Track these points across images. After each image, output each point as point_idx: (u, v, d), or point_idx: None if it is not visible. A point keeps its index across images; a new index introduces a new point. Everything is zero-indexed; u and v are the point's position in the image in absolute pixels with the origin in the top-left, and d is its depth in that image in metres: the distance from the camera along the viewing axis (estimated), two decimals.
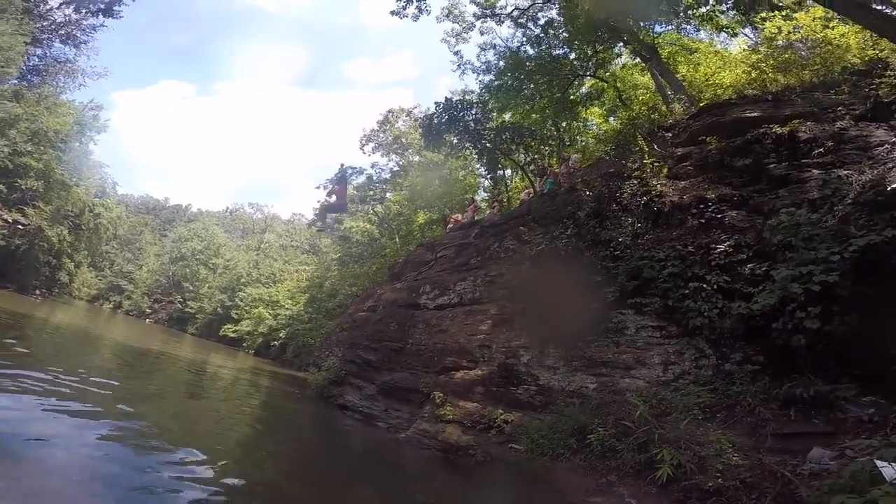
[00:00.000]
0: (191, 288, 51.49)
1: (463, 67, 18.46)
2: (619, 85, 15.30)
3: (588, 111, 17.33)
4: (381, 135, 27.80)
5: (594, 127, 18.08)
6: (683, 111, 9.81)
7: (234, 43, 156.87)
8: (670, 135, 8.95)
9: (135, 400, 6.96)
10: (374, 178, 27.59)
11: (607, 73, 15.93)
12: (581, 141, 17.76)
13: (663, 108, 12.10)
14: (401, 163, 27.53)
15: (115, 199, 45.03)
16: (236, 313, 41.86)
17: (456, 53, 18.68)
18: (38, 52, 28.54)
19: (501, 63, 17.05)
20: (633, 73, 15.98)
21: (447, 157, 20.37)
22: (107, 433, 4.74)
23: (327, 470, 6.07)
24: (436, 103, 16.46)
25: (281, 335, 32.98)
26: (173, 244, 57.41)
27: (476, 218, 13.59)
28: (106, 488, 3.31)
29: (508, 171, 20.29)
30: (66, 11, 29.05)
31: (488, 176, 20.95)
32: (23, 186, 26.46)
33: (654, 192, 7.66)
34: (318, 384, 14.10)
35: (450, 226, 14.27)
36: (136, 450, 4.38)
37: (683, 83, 11.98)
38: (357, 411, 11.72)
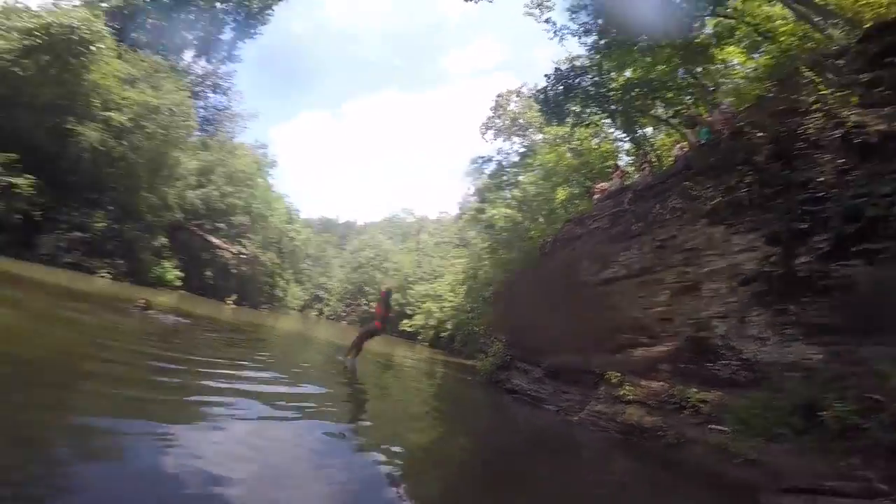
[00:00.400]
0: (371, 291, 58.78)
1: (560, 34, 16.84)
2: (748, 19, 13.35)
3: (724, 52, 15.03)
4: (497, 120, 27.39)
5: (738, 66, 15.65)
6: (845, 35, 8.69)
7: (337, 65, 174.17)
8: (842, 62, 6.79)
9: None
10: (504, 163, 27.32)
11: (727, 10, 13.60)
12: (727, 83, 15.43)
13: (816, 35, 11.05)
14: (525, 144, 26.70)
15: (300, 223, 53.72)
16: (409, 309, 46.06)
17: (547, 21, 17.42)
18: (199, 103, 33.64)
19: (600, 20, 15.16)
20: (759, 5, 13.58)
21: (573, 128, 19.03)
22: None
23: (500, 454, 5.73)
24: (545, 76, 15.47)
25: (448, 326, 35.00)
26: (351, 255, 66.56)
27: (625, 183, 12.25)
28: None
29: (649, 130, 18.48)
30: (202, 63, 34.71)
31: (627, 139, 19.33)
32: (235, 222, 33.11)
33: (849, 124, 5.86)
34: (486, 370, 14.27)
35: (595, 196, 13.20)
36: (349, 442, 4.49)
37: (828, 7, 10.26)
38: (525, 395, 11.34)
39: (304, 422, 4.48)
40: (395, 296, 49.91)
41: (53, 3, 19.82)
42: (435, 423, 6.72)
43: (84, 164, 19.91)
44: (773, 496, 4.33)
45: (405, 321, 45.97)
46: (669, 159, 12.90)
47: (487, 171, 28.15)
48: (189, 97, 27.25)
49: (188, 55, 33.81)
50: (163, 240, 25.67)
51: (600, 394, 8.42)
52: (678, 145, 12.24)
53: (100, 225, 20.62)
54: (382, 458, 3.91)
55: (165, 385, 4.48)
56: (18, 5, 18.35)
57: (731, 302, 6.81)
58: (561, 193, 21.99)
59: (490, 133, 27.54)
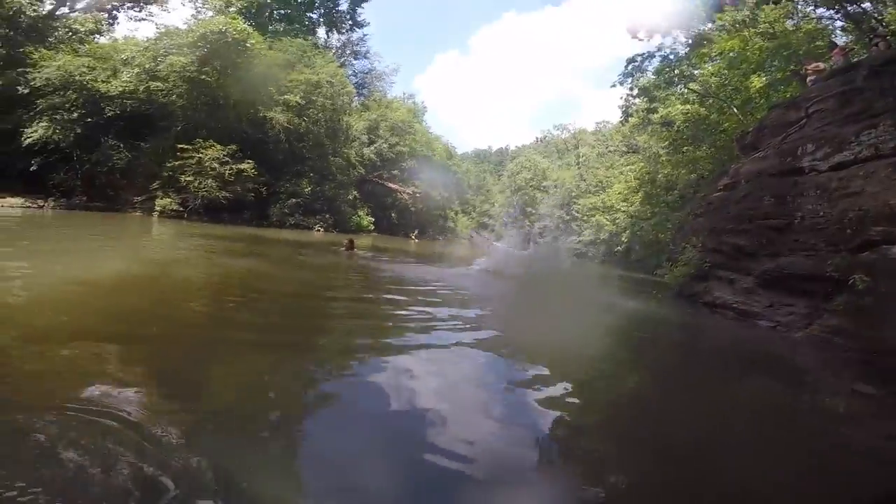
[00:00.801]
0: (533, 211, 59.01)
1: None
2: None
3: None
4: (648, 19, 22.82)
5: None
6: None
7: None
8: None
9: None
10: (671, 57, 23.28)
11: None
12: None
13: None
14: (690, 35, 22.08)
15: (458, 157, 55.92)
16: (576, 225, 44.70)
17: None
18: (349, 72, 37.04)
19: None
20: None
21: (755, 9, 16.53)
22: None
23: (698, 379, 5.38)
24: None
25: (623, 238, 32.94)
26: (509, 179, 66.98)
27: (850, 61, 10.60)
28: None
29: (867, 4, 15.06)
30: (335, 36, 37.64)
31: (838, 14, 16.35)
32: (406, 166, 36.50)
33: None
34: (676, 281, 13.14)
35: (810, 78, 11.42)
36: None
37: None
38: (730, 309, 10.16)
39: None
40: (558, 212, 49.95)
41: (192, 17, 23.48)
42: (615, 350, 6.35)
43: (282, 144, 24.24)
44: None
45: (572, 238, 44.95)
46: None
47: (650, 69, 24.38)
48: (339, 67, 30.45)
49: (321, 33, 37.34)
50: (354, 193, 30.38)
51: (838, 304, 7.02)
52: None
53: (307, 190, 25.53)
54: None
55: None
56: (171, 27, 22.08)
57: None
58: (757, 81, 18.89)
59: (643, 32, 23.57)
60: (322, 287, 7.55)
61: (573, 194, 48.32)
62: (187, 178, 19.64)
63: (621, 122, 30.39)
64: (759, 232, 9.78)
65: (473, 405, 3.34)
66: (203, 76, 20.26)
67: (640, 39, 24.62)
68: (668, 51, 24.09)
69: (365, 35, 40.01)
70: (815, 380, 5.88)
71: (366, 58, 40.91)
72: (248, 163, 21.35)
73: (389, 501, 2.15)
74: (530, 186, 61.21)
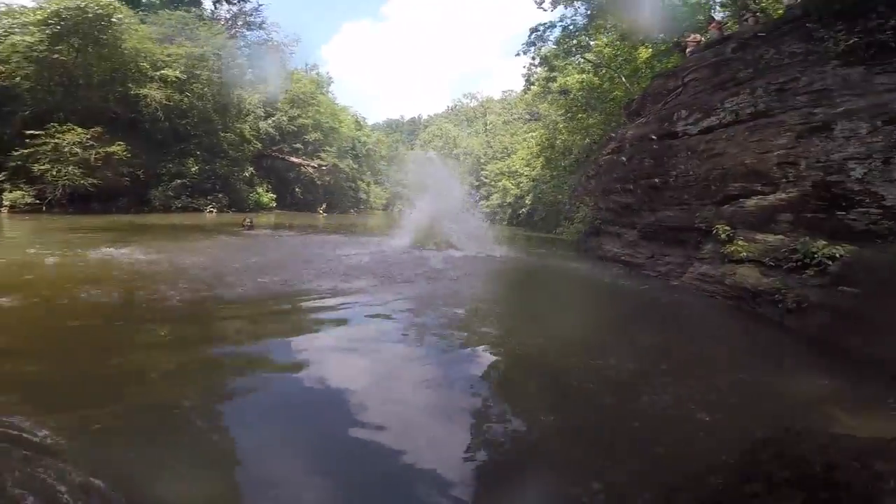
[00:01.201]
0: None
1: None
2: None
3: None
4: None
5: None
6: None
7: None
8: None
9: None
10: (571, 28, 24.15)
11: None
12: None
13: None
14: (591, 6, 23.07)
15: (368, 128, 54.18)
16: (485, 190, 45.94)
17: None
18: (240, 43, 33.96)
19: None
20: None
21: None
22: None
23: (594, 326, 5.82)
24: None
25: (527, 201, 34.54)
26: (421, 148, 66.56)
27: (724, 34, 11.24)
28: None
29: None
30: (225, 7, 34.46)
31: None
32: (310, 139, 34.49)
33: None
34: (573, 238, 14.09)
35: (689, 49, 12.16)
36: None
37: None
38: (618, 261, 11.11)
39: None
40: (468, 179, 50.98)
41: None
42: (520, 297, 6.88)
43: (161, 122, 21.82)
44: None
45: (482, 202, 46.24)
46: (779, 11, 11.33)
47: (552, 39, 25.11)
48: (228, 39, 28.20)
49: (208, 4, 33.86)
50: (250, 169, 28.27)
51: (705, 253, 7.92)
52: None
53: (194, 169, 23.27)
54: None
55: None
56: (14, 6, 18.76)
57: (874, 142, 5.79)
58: (644, 52, 20.28)
59: (547, 2, 24.01)
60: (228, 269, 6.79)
61: (481, 161, 49.44)
62: (42, 167, 16.88)
63: (524, 90, 31.22)
64: (642, 190, 10.65)
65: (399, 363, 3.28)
66: (56, 55, 17.47)
67: (545, 9, 25.11)
68: (568, 21, 24.83)
69: (260, 5, 36.30)
70: (704, 321, 6.59)
71: (261, 28, 37.46)
72: (119, 145, 18.85)
73: None
74: (442, 154, 61.48)
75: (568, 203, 17.44)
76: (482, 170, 47.84)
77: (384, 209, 64.94)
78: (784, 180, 6.87)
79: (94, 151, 17.89)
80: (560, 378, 3.81)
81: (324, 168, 35.04)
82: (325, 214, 32.30)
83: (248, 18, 36.57)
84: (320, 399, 3.10)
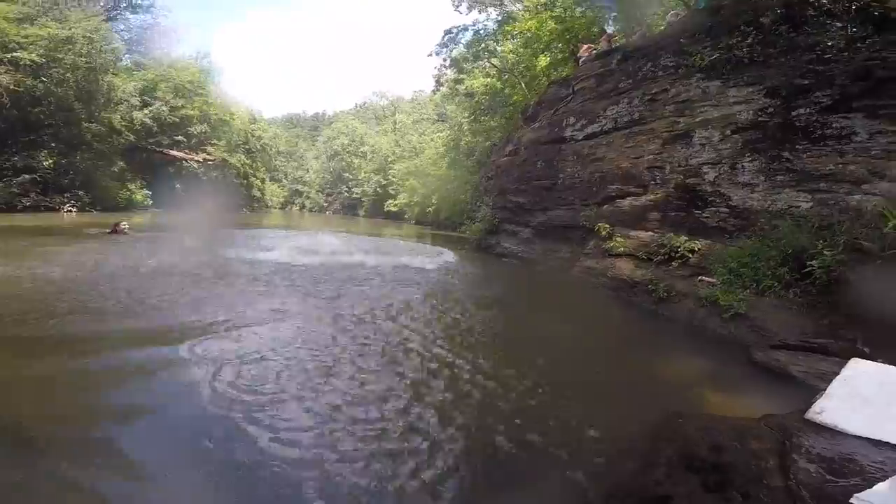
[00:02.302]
0: (350, 177, 57.84)
1: None
2: None
3: None
4: None
5: None
6: None
7: None
8: None
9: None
10: (482, 32, 24.99)
11: None
12: None
13: None
14: (503, 12, 24.14)
15: (264, 122, 50.45)
16: (393, 189, 45.52)
17: None
18: (120, 26, 30.38)
19: None
20: None
21: None
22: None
23: (487, 319, 5.92)
24: None
25: (433, 200, 34.89)
26: (325, 145, 63.90)
27: (613, 46, 11.84)
28: None
29: None
30: None
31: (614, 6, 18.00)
32: (195, 132, 31.03)
33: None
34: (475, 235, 14.46)
35: (582, 58, 12.77)
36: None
37: None
38: (515, 257, 11.66)
39: None
40: (376, 178, 50.15)
41: None
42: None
43: (6, 109, 18.32)
44: (763, 352, 4.41)
45: (389, 201, 45.83)
46: (661, 27, 12.20)
47: (463, 42, 25.67)
48: (104, 21, 24.48)
49: None
50: (120, 163, 24.69)
51: (590, 249, 8.58)
52: (672, 12, 11.49)
53: (47, 163, 19.77)
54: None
55: None
56: None
57: (724, 149, 6.74)
58: (543, 60, 21.27)
59: (464, 5, 24.49)
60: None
61: (389, 159, 48.86)
62: None
63: (434, 91, 31.45)
64: (535, 191, 11.27)
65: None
66: None
67: (461, 12, 25.47)
68: (480, 26, 25.47)
69: None
70: (589, 311, 7.06)
71: (148, 12, 32.71)
72: None
73: None
74: (347, 152, 59.55)
75: (470, 202, 17.92)
76: (390, 168, 47.26)
77: (281, 207, 61.25)
78: (653, 182, 7.70)
79: None
80: (455, 373, 3.72)
81: (210, 163, 31.82)
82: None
83: (133, 1, 32.02)
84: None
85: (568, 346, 5.04)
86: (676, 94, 7.74)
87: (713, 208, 6.66)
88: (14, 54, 18.32)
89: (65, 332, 3.92)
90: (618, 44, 12.33)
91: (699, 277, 6.16)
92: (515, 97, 22.96)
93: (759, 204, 6.07)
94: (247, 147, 41.35)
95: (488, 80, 25.97)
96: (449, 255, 12.13)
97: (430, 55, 26.93)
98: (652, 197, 7.65)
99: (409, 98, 69.60)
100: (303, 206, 65.01)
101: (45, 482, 2.07)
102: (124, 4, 31.81)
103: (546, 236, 10.64)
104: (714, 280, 5.81)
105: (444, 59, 26.47)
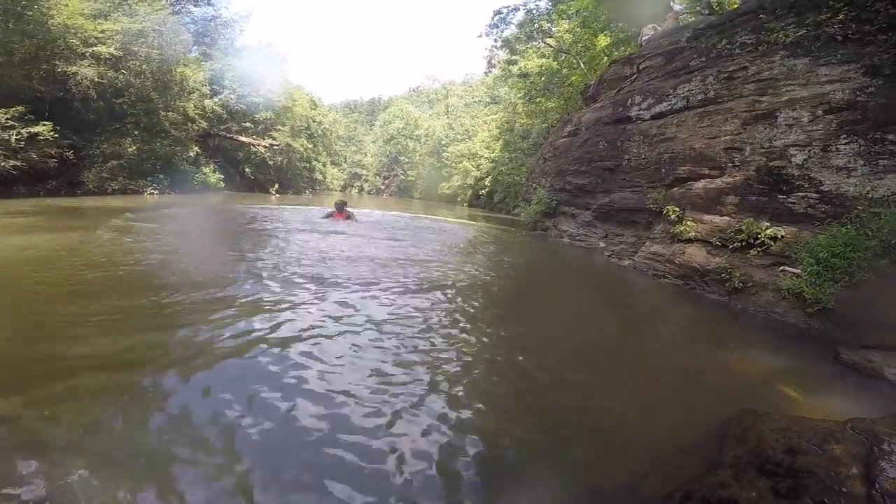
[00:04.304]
0: (405, 160, 58.72)
1: None
2: None
3: None
4: None
5: None
6: None
7: None
8: None
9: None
10: (534, 12, 23.99)
11: None
12: None
13: None
14: None
15: (325, 108, 52.05)
16: (446, 172, 45.66)
17: None
18: (185, 19, 31.51)
19: None
20: None
21: None
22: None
23: (545, 300, 5.76)
24: None
25: (486, 183, 34.59)
26: (381, 129, 65.13)
27: (680, 24, 11.48)
28: None
29: None
30: None
31: None
32: (261, 118, 32.66)
33: None
34: (530, 218, 14.16)
35: (645, 38, 12.34)
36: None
37: None
38: (574, 239, 11.29)
39: None
40: (429, 160, 50.52)
41: None
42: (483, 270, 6.73)
43: (93, 102, 20.22)
44: (853, 351, 3.96)
45: (443, 184, 46.05)
46: (734, 4, 11.74)
47: (515, 22, 24.86)
48: (170, 15, 26.02)
49: None
50: (196, 149, 26.60)
51: (657, 233, 8.09)
52: None
53: (131, 149, 21.62)
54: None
55: None
56: None
57: (814, 130, 6.06)
58: (602, 40, 20.54)
59: None
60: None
61: (443, 143, 48.99)
62: None
63: (486, 73, 30.97)
64: (596, 172, 10.78)
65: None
66: None
67: None
68: (532, 5, 24.64)
69: None
70: (656, 299, 6.68)
71: (209, 4, 34.78)
72: (45, 125, 17.02)
73: None
74: (402, 136, 60.43)
75: (525, 184, 17.59)
76: (444, 151, 47.42)
77: (341, 190, 63.39)
78: (730, 164, 7.08)
79: (14, 132, 16.11)
80: (514, 363, 3.68)
81: (276, 147, 33.44)
82: (277, 195, 31.03)
83: None
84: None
85: (631, 335, 4.82)
86: (757, 73, 7.12)
87: (800, 193, 6.01)
88: (94, 49, 19.76)
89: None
90: (686, 22, 11.88)
91: (781, 267, 5.61)
92: (573, 77, 22.32)
93: (857, 190, 5.40)
94: (309, 132, 43.04)
95: (543, 60, 25.32)
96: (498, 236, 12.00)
97: (480, 36, 26.45)
98: (729, 179, 7.04)
99: (460, 81, 69.33)
100: (361, 189, 67.09)
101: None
102: None
103: (608, 219, 10.18)
104: (799, 271, 5.26)
105: (495, 41, 25.82)
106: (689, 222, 7.29)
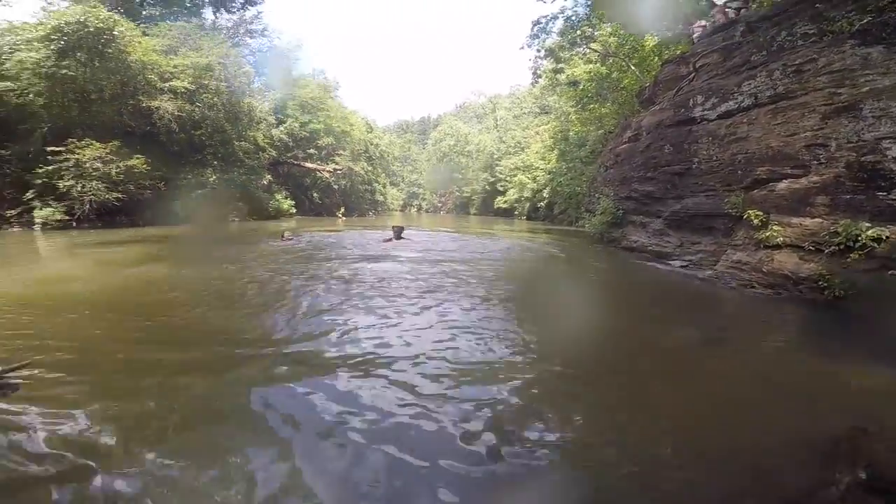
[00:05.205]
0: (460, 176, 59.53)
1: None
2: None
3: None
4: None
5: None
6: None
7: None
8: None
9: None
10: (573, 19, 23.79)
11: None
12: None
13: None
14: None
15: (379, 130, 54.33)
16: (501, 186, 45.65)
17: None
18: (245, 52, 34.21)
19: None
20: None
21: None
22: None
23: (623, 322, 5.64)
24: None
25: (544, 195, 34.15)
26: (433, 147, 66.60)
27: (729, 18, 11.07)
28: None
29: None
30: (225, 16, 34.90)
31: None
32: (323, 144, 34.66)
33: None
34: (596, 230, 13.82)
35: (695, 35, 12.22)
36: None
37: None
38: (645, 251, 10.88)
39: None
40: (483, 175, 50.86)
41: (42, 9, 20.39)
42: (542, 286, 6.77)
43: (176, 134, 22.02)
44: None
45: (498, 198, 46.01)
46: None
47: (555, 30, 24.86)
48: (231, 48, 28.31)
49: (208, 14, 34.01)
50: (268, 177, 28.46)
51: (739, 240, 7.67)
52: None
53: (212, 178, 23.44)
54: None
55: None
56: (15, 21, 18.90)
57: None
58: (650, 40, 20.08)
59: None
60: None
61: (495, 156, 49.16)
62: (66, 183, 17.10)
63: (532, 83, 30.95)
64: (664, 178, 10.42)
65: None
66: (64, 70, 17.50)
67: (544, 2, 24.70)
68: (570, 12, 24.52)
69: (259, 13, 36.85)
70: (748, 310, 6.31)
71: (263, 35, 37.93)
72: (138, 158, 19.01)
73: None
74: (455, 152, 61.39)
75: (588, 194, 17.23)
76: (496, 165, 47.57)
77: (401, 210, 65.29)
78: (815, 162, 6.64)
79: (114, 166, 18.05)
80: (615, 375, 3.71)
81: (339, 172, 35.26)
82: (343, 218, 32.58)
83: (248, 26, 36.88)
84: None
85: (723, 346, 4.64)
86: (828, 64, 6.74)
87: None
88: (170, 83, 21.61)
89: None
90: (734, 14, 11.48)
91: (889, 271, 5.15)
92: (626, 81, 21.70)
93: None
94: (367, 155, 45.04)
95: (591, 66, 24.84)
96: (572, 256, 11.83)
97: (522, 48, 26.43)
98: (816, 178, 6.57)
99: (506, 94, 69.44)
100: (419, 208, 68.76)
101: None
102: (242, 31, 36.80)
103: (682, 227, 9.76)
104: None
105: (538, 51, 25.75)
106: (775, 227, 6.86)
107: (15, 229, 16.59)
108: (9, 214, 16.93)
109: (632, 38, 20.91)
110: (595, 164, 19.67)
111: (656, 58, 19.10)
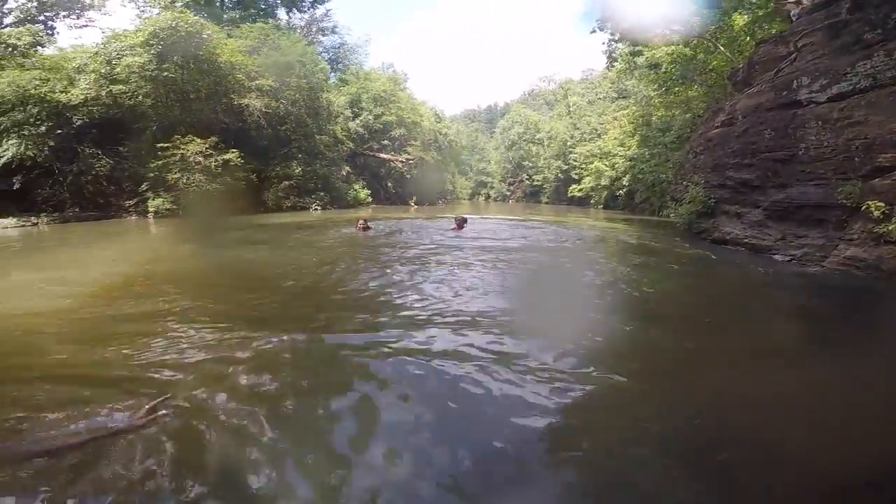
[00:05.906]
0: (530, 165, 58.35)
1: None
2: None
3: None
4: None
5: None
6: None
7: None
8: None
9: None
10: None
11: None
12: None
13: None
14: None
15: (447, 120, 54.77)
16: (576, 174, 44.12)
17: None
18: (319, 49, 36.48)
19: None
20: None
21: None
22: None
23: (724, 319, 5.39)
24: None
25: (624, 182, 32.54)
26: (501, 136, 65.78)
27: None
28: None
29: None
30: (297, 15, 37.32)
31: None
32: (395, 135, 35.72)
33: None
34: (683, 220, 13.05)
35: (793, 12, 11.29)
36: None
37: None
38: (740, 244, 10.15)
39: None
40: (556, 163, 49.39)
41: (137, 17, 22.63)
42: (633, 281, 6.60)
43: (264, 129, 24.03)
44: None
45: (573, 186, 44.54)
46: None
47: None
48: (307, 46, 29.91)
49: (281, 14, 36.74)
50: (347, 168, 30.19)
51: (854, 234, 6.99)
52: None
53: (298, 171, 25.42)
54: None
55: None
56: (118, 30, 21.25)
57: None
58: (740, 19, 18.48)
59: None
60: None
61: (568, 144, 47.47)
62: (174, 176, 19.41)
63: (607, 67, 29.45)
64: (764, 165, 9.66)
65: None
66: (165, 73, 19.64)
67: None
68: None
69: (328, 10, 38.93)
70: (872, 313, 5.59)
71: (334, 33, 39.92)
72: (233, 152, 21.09)
73: None
74: (524, 140, 60.15)
75: (674, 182, 16.26)
76: (570, 153, 45.99)
77: (469, 198, 65.62)
78: None
79: (213, 159, 20.11)
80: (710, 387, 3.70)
81: (411, 162, 36.20)
82: (416, 207, 33.59)
83: (320, 24, 38.93)
84: None
85: (834, 347, 4.36)
86: None
87: None
88: (257, 82, 23.41)
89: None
90: None
91: None
92: (714, 62, 20.08)
93: None
94: (437, 145, 45.68)
95: (673, 47, 23.04)
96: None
97: (594, 31, 25.02)
98: None
99: (578, 79, 66.48)
100: (488, 196, 68.52)
101: None
102: (314, 29, 38.63)
103: (785, 218, 9.00)
104: None
105: (612, 33, 24.22)
106: None
107: (132, 217, 19.24)
108: (127, 204, 19.67)
109: (717, 18, 19.35)
110: (681, 149, 18.52)
111: (748, 37, 17.67)
